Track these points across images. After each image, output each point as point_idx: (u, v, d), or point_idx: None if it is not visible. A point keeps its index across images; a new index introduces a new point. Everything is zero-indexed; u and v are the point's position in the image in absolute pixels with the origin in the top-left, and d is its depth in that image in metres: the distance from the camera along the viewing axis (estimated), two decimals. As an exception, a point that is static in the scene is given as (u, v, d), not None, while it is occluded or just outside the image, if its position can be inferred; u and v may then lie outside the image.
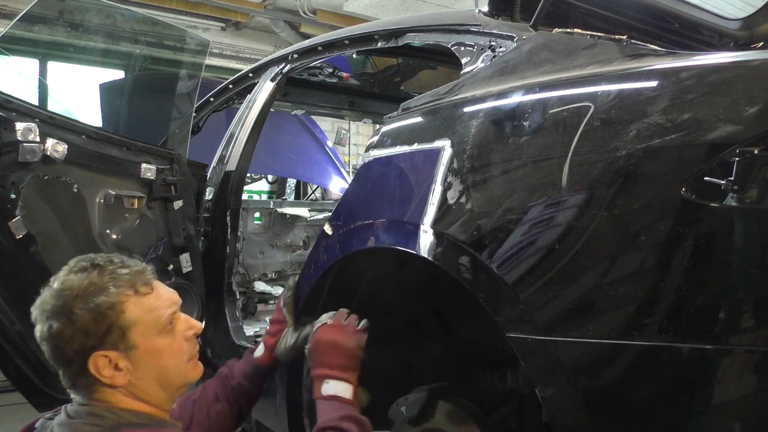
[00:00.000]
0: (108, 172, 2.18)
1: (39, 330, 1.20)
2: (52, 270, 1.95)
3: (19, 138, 1.87)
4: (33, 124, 1.91)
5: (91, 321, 1.18)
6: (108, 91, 2.93)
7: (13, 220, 1.86)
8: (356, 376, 1.50)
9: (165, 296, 1.31)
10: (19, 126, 1.87)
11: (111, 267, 1.24)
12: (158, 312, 1.26)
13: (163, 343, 1.26)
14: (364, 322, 1.58)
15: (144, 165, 2.28)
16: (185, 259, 2.39)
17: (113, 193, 2.17)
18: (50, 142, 1.94)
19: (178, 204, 2.39)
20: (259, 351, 1.77)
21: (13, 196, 1.87)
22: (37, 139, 1.91)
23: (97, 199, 2.14)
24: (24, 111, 1.92)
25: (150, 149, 2.33)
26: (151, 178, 2.29)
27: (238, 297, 2.63)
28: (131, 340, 1.22)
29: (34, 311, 1.21)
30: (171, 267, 2.34)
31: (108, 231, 2.17)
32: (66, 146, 1.99)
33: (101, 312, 1.19)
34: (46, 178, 1.96)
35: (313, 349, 1.55)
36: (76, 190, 2.06)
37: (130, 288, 1.23)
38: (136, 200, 2.26)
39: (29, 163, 1.90)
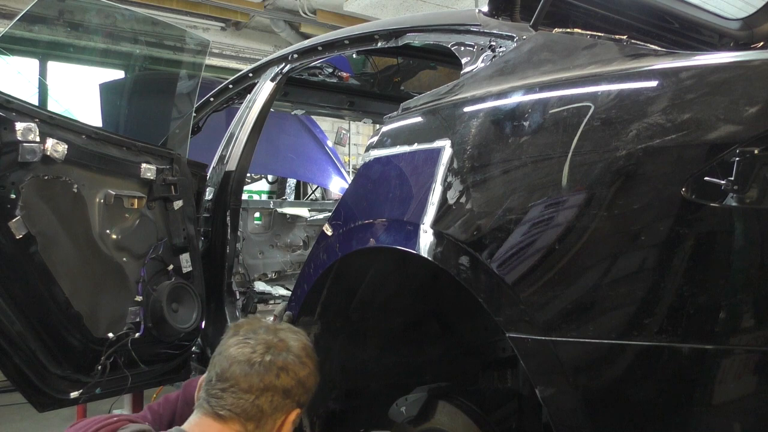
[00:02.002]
0: (108, 172, 2.17)
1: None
2: (52, 270, 1.96)
3: (19, 138, 1.87)
4: (33, 124, 1.90)
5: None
6: (108, 91, 2.92)
7: (13, 220, 1.85)
8: None
9: None
10: (19, 126, 1.87)
11: None
12: None
13: None
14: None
15: (144, 165, 2.27)
16: (185, 259, 2.39)
17: (113, 193, 2.16)
18: (50, 142, 1.94)
19: (178, 204, 2.39)
20: None
21: (13, 196, 1.86)
22: (37, 139, 1.91)
23: (97, 199, 2.13)
24: (24, 111, 1.91)
25: (150, 149, 2.33)
26: (151, 178, 2.29)
27: (238, 297, 2.64)
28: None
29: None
30: (171, 267, 2.34)
31: (108, 231, 2.17)
32: (66, 146, 1.98)
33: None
34: (46, 178, 1.96)
35: None
36: (76, 190, 2.06)
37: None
38: (136, 200, 2.26)
39: (29, 163, 1.90)
